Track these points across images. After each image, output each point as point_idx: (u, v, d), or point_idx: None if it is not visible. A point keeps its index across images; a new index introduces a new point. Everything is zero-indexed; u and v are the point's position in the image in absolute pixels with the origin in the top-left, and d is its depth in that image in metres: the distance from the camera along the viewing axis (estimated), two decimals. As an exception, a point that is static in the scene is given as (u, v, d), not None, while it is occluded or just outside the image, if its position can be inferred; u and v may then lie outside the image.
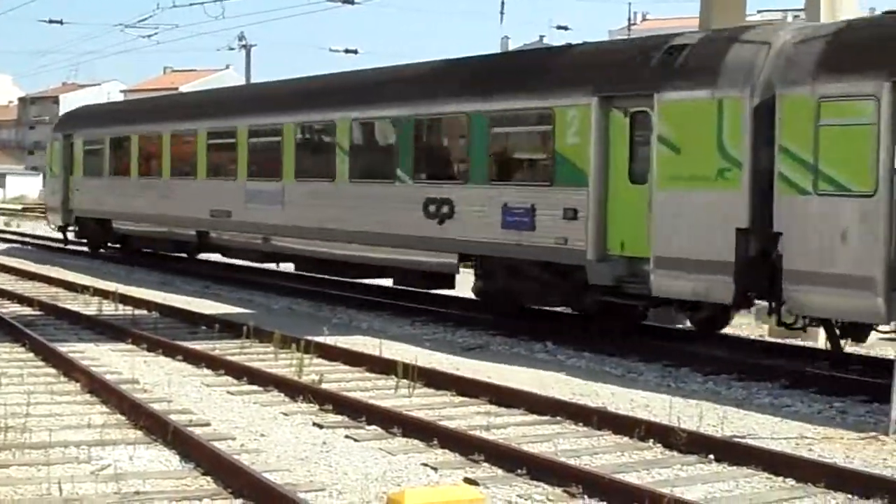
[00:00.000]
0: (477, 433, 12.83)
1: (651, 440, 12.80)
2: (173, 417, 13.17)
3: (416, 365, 16.19)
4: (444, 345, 20.31)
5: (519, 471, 11.27)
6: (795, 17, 51.38)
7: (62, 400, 14.72)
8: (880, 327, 16.80)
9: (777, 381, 16.70)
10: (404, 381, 15.81)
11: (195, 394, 15.45)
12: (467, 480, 11.03)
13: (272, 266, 31.43)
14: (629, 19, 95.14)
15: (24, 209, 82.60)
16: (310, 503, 9.64)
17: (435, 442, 12.47)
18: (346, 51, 72.54)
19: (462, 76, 24.02)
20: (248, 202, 29.30)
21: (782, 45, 17.21)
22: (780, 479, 11.39)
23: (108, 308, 24.19)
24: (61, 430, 12.79)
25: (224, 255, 33.11)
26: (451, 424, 13.33)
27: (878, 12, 20.18)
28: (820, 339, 18.91)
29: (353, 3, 44.84)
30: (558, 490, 10.70)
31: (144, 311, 23.72)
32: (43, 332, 20.14)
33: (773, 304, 17.26)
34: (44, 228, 53.55)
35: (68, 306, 24.14)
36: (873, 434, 13.36)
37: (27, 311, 23.78)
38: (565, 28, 78.79)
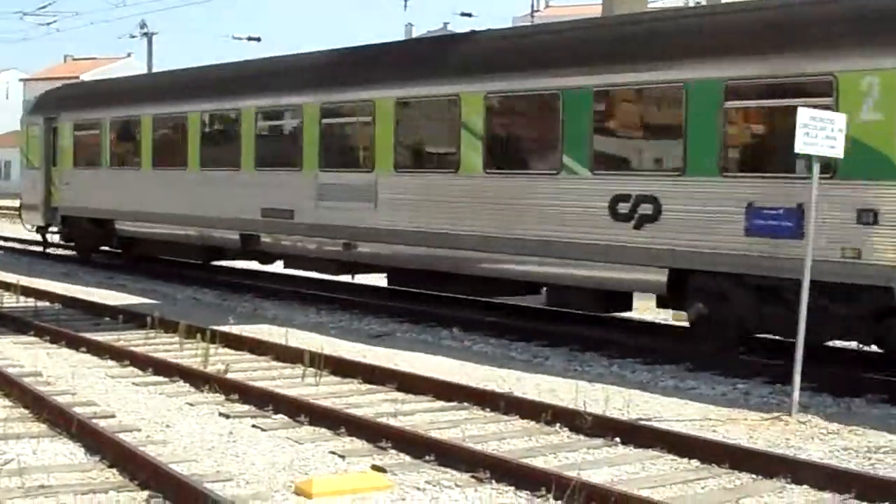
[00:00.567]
0: (384, 420, 12.82)
1: (558, 424, 12.85)
2: (77, 410, 13.00)
3: (322, 353, 16.16)
4: (351, 333, 20.26)
5: (427, 457, 11.27)
6: (697, 3, 51.78)
7: (-37, 394, 14.51)
8: None
9: (682, 364, 16.87)
10: (311, 369, 15.76)
11: (100, 385, 15.28)
12: (375, 468, 11.02)
13: (179, 259, 30.38)
14: (532, 6, 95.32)
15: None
16: (217, 493, 9.58)
17: (342, 430, 12.44)
18: (249, 38, 72.30)
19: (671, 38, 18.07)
20: (321, 199, 23.43)
21: None
22: (686, 460, 11.50)
23: (10, 300, 23.86)
24: (-38, 425, 12.62)
25: (285, 263, 26.79)
26: (359, 412, 13.31)
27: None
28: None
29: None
30: (466, 476, 10.72)
31: (47, 303, 23.40)
32: (-58, 325, 19.82)
33: None
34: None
35: (-32, 299, 23.80)
36: (776, 415, 13.54)
37: (-74, 304, 23.41)
38: (469, 15, 79.09)
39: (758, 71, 16.15)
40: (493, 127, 20.08)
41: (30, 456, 11.32)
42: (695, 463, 11.41)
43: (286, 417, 13.19)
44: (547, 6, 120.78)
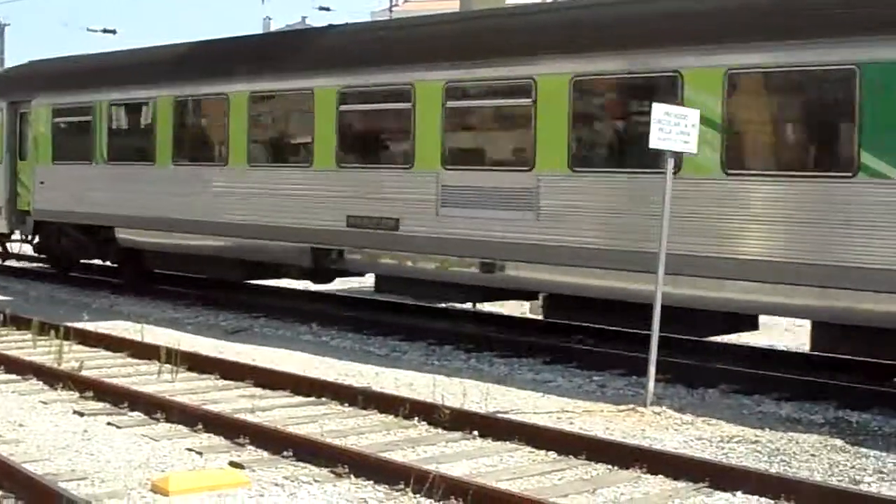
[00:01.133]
0: (242, 416, 12.74)
1: (416, 418, 12.88)
2: (-74, 409, 12.76)
3: (179, 349, 16.00)
4: (208, 328, 20.11)
5: (285, 453, 11.22)
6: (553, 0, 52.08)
7: None
8: None
9: (539, 357, 17.01)
10: (167, 365, 15.60)
11: (-51, 385, 14.98)
12: (233, 464, 10.95)
13: (30, 251, 29.54)
14: (391, 1, 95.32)
15: None
16: (71, 493, 9.44)
17: (199, 426, 12.32)
18: (105, 31, 71.35)
19: None
20: (445, 205, 17.97)
21: None
22: (543, 452, 11.60)
23: None
24: None
25: (379, 286, 21.54)
26: (216, 408, 13.21)
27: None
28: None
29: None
30: (325, 471, 10.69)
31: None
32: None
33: None
34: None
35: None
36: (632, 406, 13.70)
37: None
38: (327, 9, 78.86)
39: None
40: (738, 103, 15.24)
41: None
42: (552, 455, 11.51)
43: (142, 415, 13.03)
44: (406, 1, 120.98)
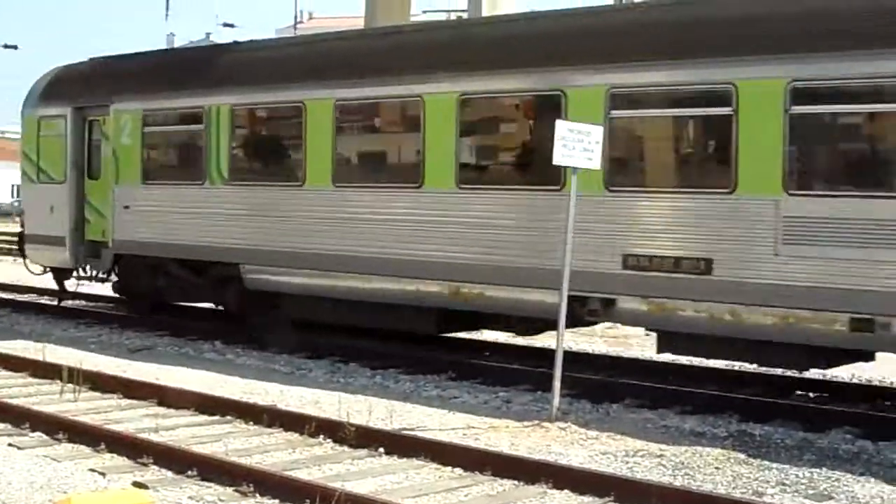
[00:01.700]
0: (145, 436, 12.60)
1: (321, 436, 12.84)
2: None
3: (81, 368, 15.81)
4: (111, 347, 19.89)
5: (189, 472, 11.12)
6: (458, 17, 52.41)
7: None
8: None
9: (444, 374, 17.03)
10: (69, 385, 15.41)
11: None
12: (136, 484, 10.83)
13: None
14: (296, 17, 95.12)
15: None
16: (-30, 515, 9.31)
17: (102, 446, 12.18)
18: (6, 46, 70.50)
19: None
20: (790, 241, 13.54)
21: None
22: (449, 468, 11.60)
23: None
24: None
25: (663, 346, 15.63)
26: (119, 427, 13.07)
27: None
28: (486, 334, 19.37)
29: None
30: (230, 490, 10.62)
31: None
32: None
33: None
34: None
35: None
36: (537, 422, 13.75)
37: None
38: (231, 25, 78.58)
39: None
40: None
41: None
42: (458, 471, 11.51)
43: (43, 435, 12.85)
44: (311, 18, 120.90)
